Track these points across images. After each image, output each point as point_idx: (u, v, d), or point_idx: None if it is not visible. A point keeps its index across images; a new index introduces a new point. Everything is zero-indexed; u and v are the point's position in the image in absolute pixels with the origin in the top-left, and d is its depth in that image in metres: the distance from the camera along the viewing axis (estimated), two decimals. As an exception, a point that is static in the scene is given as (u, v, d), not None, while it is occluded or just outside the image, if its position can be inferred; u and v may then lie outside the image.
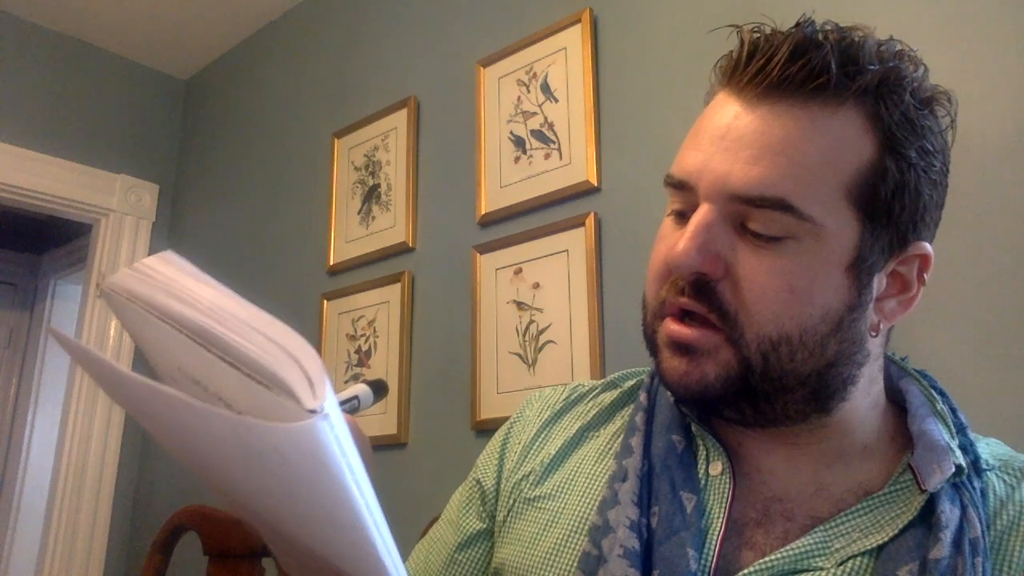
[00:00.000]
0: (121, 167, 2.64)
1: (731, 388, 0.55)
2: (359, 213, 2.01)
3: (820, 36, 0.54)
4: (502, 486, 0.70)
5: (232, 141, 2.58)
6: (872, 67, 0.54)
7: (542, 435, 0.71)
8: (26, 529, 3.19)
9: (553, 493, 0.65)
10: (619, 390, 0.72)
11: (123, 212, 2.61)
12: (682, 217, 0.59)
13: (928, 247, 0.57)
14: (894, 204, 0.54)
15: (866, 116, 0.54)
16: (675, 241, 0.56)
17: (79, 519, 2.38)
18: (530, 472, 0.68)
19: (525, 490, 0.67)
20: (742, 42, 0.57)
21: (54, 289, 3.58)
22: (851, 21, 0.59)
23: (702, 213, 0.55)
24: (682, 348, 0.56)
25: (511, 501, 0.68)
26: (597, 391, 0.73)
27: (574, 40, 1.61)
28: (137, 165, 2.68)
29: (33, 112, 2.48)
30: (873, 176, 0.54)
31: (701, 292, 0.55)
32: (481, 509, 0.71)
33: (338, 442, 0.36)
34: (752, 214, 0.54)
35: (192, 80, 2.85)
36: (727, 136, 0.55)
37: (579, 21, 1.61)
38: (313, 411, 0.35)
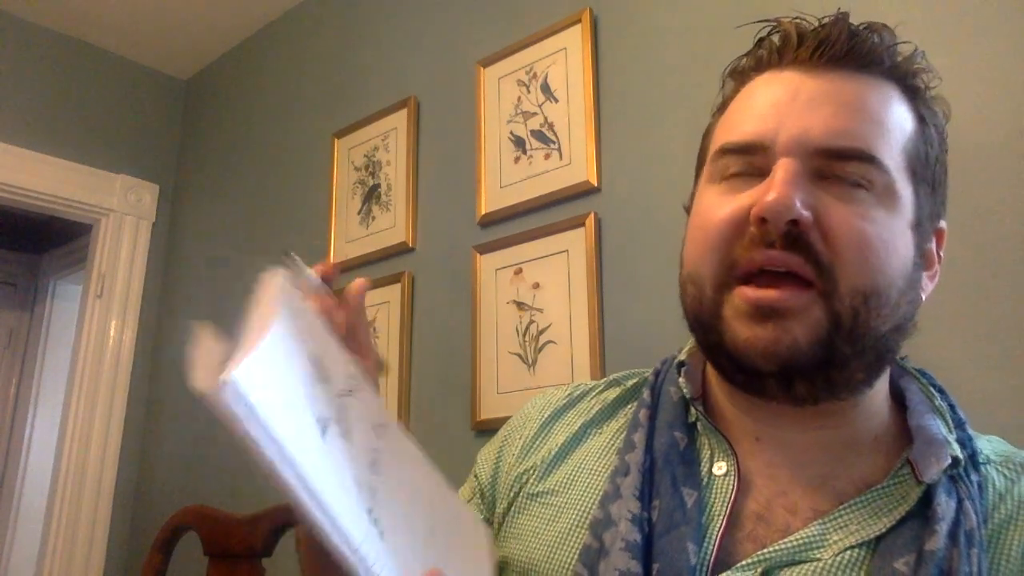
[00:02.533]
0: (121, 167, 2.64)
1: (819, 353, 0.53)
2: (359, 213, 2.01)
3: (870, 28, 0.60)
4: (499, 482, 0.71)
5: (232, 141, 2.58)
6: (902, 59, 0.60)
7: (544, 431, 0.71)
8: (26, 529, 3.19)
9: (556, 488, 0.66)
10: (621, 387, 0.72)
11: (123, 212, 2.61)
12: (738, 181, 0.58)
13: (944, 224, 0.62)
14: (937, 174, 0.59)
15: (905, 94, 0.59)
16: (747, 199, 0.55)
17: (79, 519, 2.38)
18: (532, 467, 0.68)
19: (527, 486, 0.68)
20: (785, 31, 0.60)
21: (54, 289, 3.58)
22: (853, 20, 0.62)
23: (787, 164, 0.54)
24: (766, 313, 0.53)
25: (511, 495, 0.68)
26: (600, 388, 0.73)
27: (574, 40, 1.61)
28: (137, 165, 2.68)
29: (33, 112, 2.48)
30: (923, 143, 0.58)
31: (795, 243, 0.53)
32: (481, 504, 0.72)
33: (249, 409, 0.41)
34: (833, 167, 0.55)
35: (192, 80, 2.85)
36: (798, 98, 0.57)
37: (579, 21, 1.61)
38: (224, 382, 0.41)
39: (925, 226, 0.58)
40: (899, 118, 0.58)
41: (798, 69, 0.58)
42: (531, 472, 0.68)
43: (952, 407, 0.60)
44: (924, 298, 0.60)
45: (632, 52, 1.54)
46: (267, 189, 2.37)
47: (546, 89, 1.64)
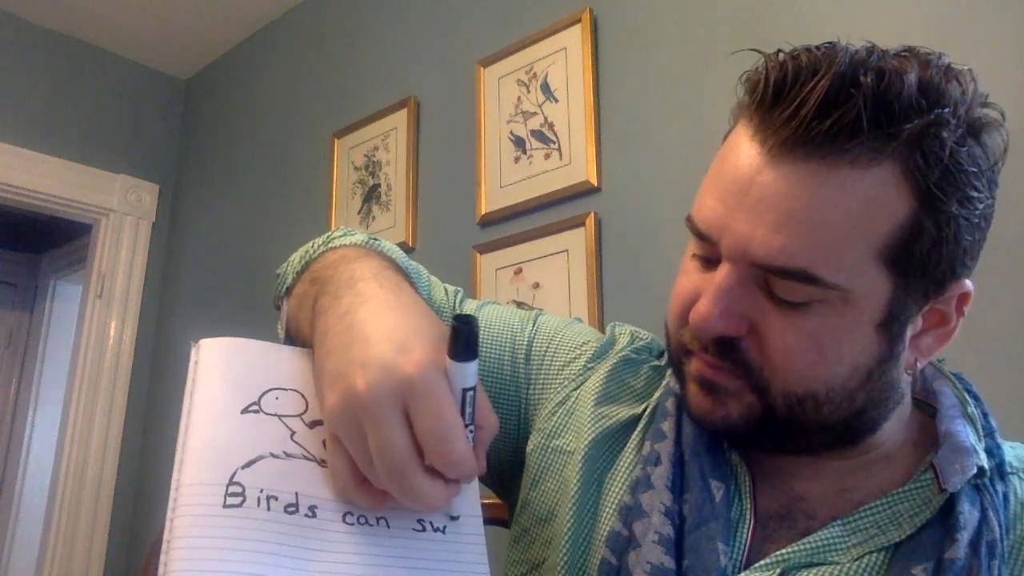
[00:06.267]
0: (121, 167, 2.64)
1: (754, 426, 0.55)
2: (359, 213, 2.01)
3: (859, 75, 0.48)
4: (544, 378, 0.70)
5: (232, 141, 2.58)
6: (909, 123, 0.48)
7: (585, 389, 0.69)
8: (26, 529, 3.19)
9: (576, 449, 0.65)
10: (648, 365, 0.71)
11: (123, 212, 2.61)
12: (707, 260, 0.57)
13: (968, 284, 0.55)
14: (930, 259, 0.51)
15: (902, 172, 0.49)
16: (698, 285, 0.55)
17: (79, 519, 2.38)
18: (556, 414, 0.68)
19: (553, 436, 0.67)
20: (767, 77, 0.51)
21: (54, 289, 3.58)
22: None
23: (723, 274, 0.53)
24: (708, 385, 0.56)
25: (541, 432, 0.68)
26: (642, 362, 0.72)
27: (574, 40, 1.61)
28: (137, 165, 2.68)
29: (33, 112, 2.48)
30: (907, 236, 0.50)
31: (724, 351, 0.54)
32: (514, 348, 0.71)
33: (195, 367, 0.50)
34: (775, 280, 0.52)
35: (192, 80, 2.85)
36: (750, 193, 0.52)
37: (579, 21, 1.61)
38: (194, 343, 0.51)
39: (907, 313, 0.53)
40: (874, 213, 0.50)
41: (763, 145, 0.52)
42: (559, 425, 0.68)
43: (985, 415, 0.59)
44: (927, 361, 0.58)
45: (632, 52, 1.54)
46: (267, 189, 2.37)
47: (546, 89, 1.64)
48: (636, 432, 0.66)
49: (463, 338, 0.44)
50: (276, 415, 0.49)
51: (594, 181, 1.52)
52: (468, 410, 0.45)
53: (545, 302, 1.54)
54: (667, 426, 0.61)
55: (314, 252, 0.66)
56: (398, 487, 0.44)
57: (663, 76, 1.48)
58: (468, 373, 0.45)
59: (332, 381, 0.46)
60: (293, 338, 0.62)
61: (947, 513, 0.52)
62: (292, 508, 0.45)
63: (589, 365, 0.70)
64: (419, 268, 0.72)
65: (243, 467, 0.46)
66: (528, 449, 0.68)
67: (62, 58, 2.56)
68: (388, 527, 0.47)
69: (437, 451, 0.43)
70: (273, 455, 0.47)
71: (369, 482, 0.45)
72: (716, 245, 0.54)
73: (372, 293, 0.52)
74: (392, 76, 2.05)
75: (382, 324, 0.48)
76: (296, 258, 0.68)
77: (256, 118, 2.50)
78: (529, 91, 1.68)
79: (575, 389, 0.68)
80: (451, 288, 0.75)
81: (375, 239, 0.68)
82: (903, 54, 0.51)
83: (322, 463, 0.48)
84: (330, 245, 0.66)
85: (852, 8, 1.25)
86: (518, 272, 1.61)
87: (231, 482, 0.45)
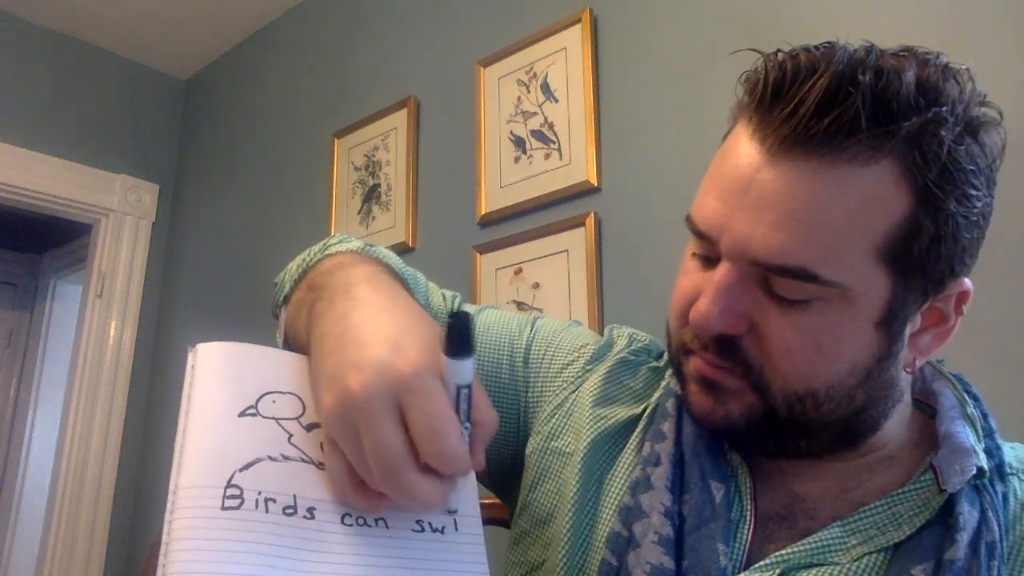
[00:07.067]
0: (121, 167, 2.64)
1: (755, 426, 0.56)
2: (359, 213, 2.02)
3: (857, 74, 0.49)
4: (541, 382, 0.70)
5: (232, 141, 2.58)
6: (907, 121, 0.49)
7: (584, 391, 0.69)
8: (26, 529, 3.19)
9: (575, 450, 0.65)
10: (647, 366, 0.71)
11: (123, 212, 2.61)
12: (701, 258, 0.57)
13: (967, 283, 0.55)
14: (928, 257, 0.52)
15: (901, 170, 0.50)
16: (699, 284, 0.55)
17: (79, 519, 2.38)
18: (555, 416, 0.68)
19: (552, 439, 0.67)
20: (766, 77, 0.52)
21: (54, 289, 3.58)
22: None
23: (723, 272, 0.53)
24: (709, 384, 0.57)
25: (539, 437, 0.68)
26: (640, 364, 0.71)
27: (574, 40, 1.61)
28: (137, 165, 2.68)
29: (33, 112, 2.48)
30: (906, 234, 0.51)
31: (725, 349, 0.55)
32: (512, 353, 0.71)
33: (192, 371, 0.50)
34: (775, 279, 0.52)
35: (192, 80, 2.85)
36: (750, 192, 0.52)
37: (579, 21, 1.61)
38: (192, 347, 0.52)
39: (906, 312, 0.54)
40: (873, 211, 0.50)
41: (762, 144, 0.52)
42: (553, 418, 0.68)
43: (984, 416, 0.59)
44: (925, 359, 0.58)
45: (632, 52, 1.54)
46: (267, 189, 2.37)
47: (546, 89, 1.64)
48: (635, 433, 0.65)
49: (457, 333, 0.44)
50: (273, 418, 0.49)
51: (594, 181, 1.52)
52: (463, 407, 0.45)
53: (545, 302, 1.54)
54: (667, 427, 0.62)
55: (311, 260, 0.66)
56: (393, 486, 0.44)
57: (663, 76, 1.48)
58: (463, 370, 0.45)
59: (328, 383, 0.46)
60: (291, 345, 0.62)
61: (947, 514, 0.52)
62: (290, 510, 0.45)
63: (587, 367, 0.70)
64: (416, 274, 0.72)
65: (241, 469, 0.46)
66: (527, 451, 0.68)
67: (62, 58, 2.56)
68: (387, 528, 0.47)
69: (429, 447, 0.43)
70: (271, 458, 0.47)
71: (366, 484, 0.45)
72: (716, 244, 0.54)
73: (367, 297, 0.52)
74: (392, 76, 2.05)
75: (377, 326, 0.48)
76: (293, 266, 0.68)
77: (256, 118, 2.50)
78: (529, 91, 1.68)
79: (573, 391, 0.69)
80: (448, 293, 0.75)
81: (371, 245, 0.69)
82: (901, 53, 0.52)
83: (320, 465, 0.48)
84: (327, 252, 0.66)
85: (851, 8, 1.25)
86: (518, 272, 1.61)
87: (229, 484, 0.45)
